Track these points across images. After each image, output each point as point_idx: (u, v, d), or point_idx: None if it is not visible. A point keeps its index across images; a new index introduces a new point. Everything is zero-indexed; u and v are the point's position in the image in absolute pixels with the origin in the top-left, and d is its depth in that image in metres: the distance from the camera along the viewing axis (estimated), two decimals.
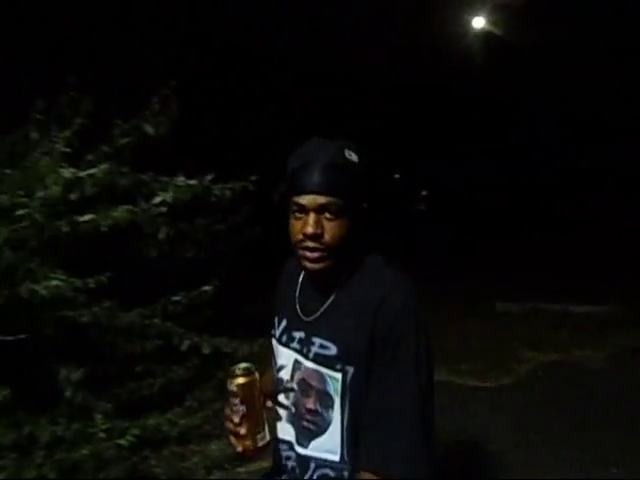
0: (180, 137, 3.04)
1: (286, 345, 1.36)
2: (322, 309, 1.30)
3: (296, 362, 1.33)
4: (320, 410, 1.26)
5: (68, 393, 2.77)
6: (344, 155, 1.23)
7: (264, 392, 1.31)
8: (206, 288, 3.17)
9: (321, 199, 1.20)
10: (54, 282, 2.44)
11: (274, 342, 1.41)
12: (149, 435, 2.97)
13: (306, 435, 1.30)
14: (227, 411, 1.26)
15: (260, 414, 1.25)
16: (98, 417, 2.75)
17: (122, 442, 2.76)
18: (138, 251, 3.12)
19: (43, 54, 2.85)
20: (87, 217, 2.55)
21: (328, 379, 1.25)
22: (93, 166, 2.73)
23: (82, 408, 2.83)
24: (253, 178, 3.03)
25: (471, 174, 21.00)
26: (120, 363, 3.08)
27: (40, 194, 2.52)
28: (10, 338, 2.48)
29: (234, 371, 1.24)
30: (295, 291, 1.39)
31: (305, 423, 1.30)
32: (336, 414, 1.24)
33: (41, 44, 2.90)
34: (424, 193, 24.87)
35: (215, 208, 3.39)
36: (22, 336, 2.53)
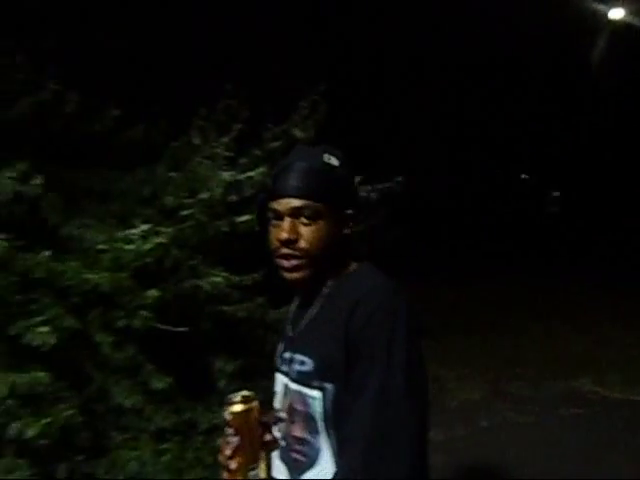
0: (327, 138, 3.09)
1: (279, 369, 1.25)
2: (304, 322, 1.20)
3: (285, 387, 1.21)
4: (308, 438, 1.13)
5: (222, 384, 2.92)
6: (322, 159, 1.16)
7: (267, 424, 1.19)
8: None
9: (295, 202, 1.12)
10: (216, 278, 2.58)
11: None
12: None
13: (297, 469, 1.16)
14: (221, 441, 1.14)
15: (256, 448, 1.12)
16: None
17: None
18: None
19: (203, 65, 3.05)
20: (244, 217, 2.67)
21: (310, 400, 1.12)
22: (247, 169, 2.86)
23: None
24: (399, 179, 3.00)
25: (609, 173, 19.38)
26: (268, 357, 3.20)
27: (203, 196, 2.68)
28: (174, 330, 2.66)
29: (231, 398, 1.12)
30: (291, 310, 1.31)
31: (294, 455, 1.16)
32: (324, 440, 1.12)
33: (201, 56, 3.12)
34: (556, 194, 23.29)
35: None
36: (183, 329, 2.70)
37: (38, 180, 2.16)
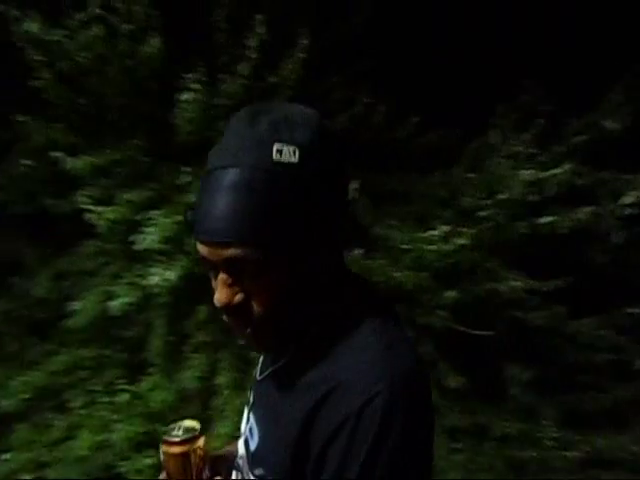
0: None
1: (247, 406, 0.97)
2: (267, 372, 0.86)
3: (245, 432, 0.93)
4: None
5: (515, 391, 2.83)
6: (270, 155, 0.68)
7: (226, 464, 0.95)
8: None
9: (228, 252, 0.70)
10: (514, 282, 2.50)
11: None
12: (595, 454, 2.78)
13: None
14: None
15: None
16: (545, 423, 2.72)
17: (570, 455, 2.65)
18: (588, 255, 2.94)
19: (499, 62, 3.00)
20: (547, 219, 2.52)
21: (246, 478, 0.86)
22: (550, 167, 2.70)
23: (528, 409, 2.85)
24: None
25: None
26: (564, 371, 2.97)
27: (501, 196, 2.62)
28: (470, 332, 2.66)
29: (170, 431, 0.89)
30: None
31: None
32: None
33: (496, 52, 3.07)
34: None
35: None
36: (479, 332, 2.67)
37: (355, 185, 2.39)
